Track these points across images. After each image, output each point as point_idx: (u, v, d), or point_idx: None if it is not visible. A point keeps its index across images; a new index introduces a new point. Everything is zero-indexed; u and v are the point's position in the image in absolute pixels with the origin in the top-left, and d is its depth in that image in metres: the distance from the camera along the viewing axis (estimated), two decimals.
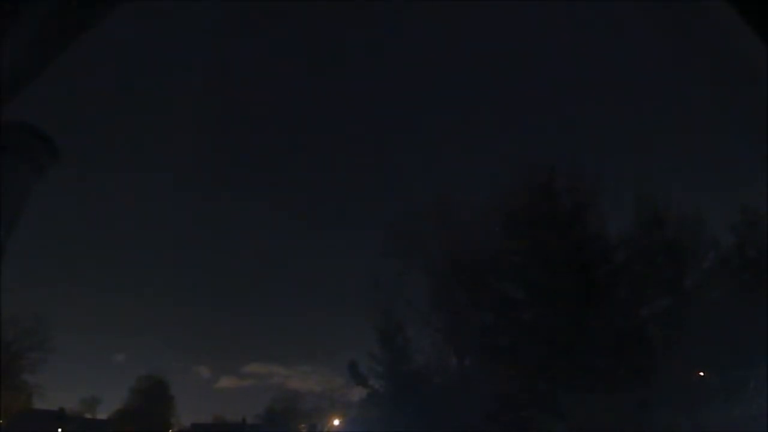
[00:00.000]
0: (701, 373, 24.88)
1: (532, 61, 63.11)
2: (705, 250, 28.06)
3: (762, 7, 2.24)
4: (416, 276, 32.83)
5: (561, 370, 24.44)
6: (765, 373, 21.30)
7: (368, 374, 32.40)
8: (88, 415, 54.32)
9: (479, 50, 63.24)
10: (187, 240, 72.21)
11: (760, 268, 24.49)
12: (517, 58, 63.57)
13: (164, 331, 76.35)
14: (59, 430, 47.28)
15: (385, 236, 34.38)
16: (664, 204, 27.93)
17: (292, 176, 79.32)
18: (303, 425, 50.30)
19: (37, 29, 2.51)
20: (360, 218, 69.76)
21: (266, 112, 77.50)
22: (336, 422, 41.41)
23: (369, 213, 70.88)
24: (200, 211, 75.01)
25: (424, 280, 32.75)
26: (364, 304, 33.17)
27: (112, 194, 70.67)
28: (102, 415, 54.17)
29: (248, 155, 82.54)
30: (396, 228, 33.69)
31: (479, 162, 60.90)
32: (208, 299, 73.82)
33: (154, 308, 73.23)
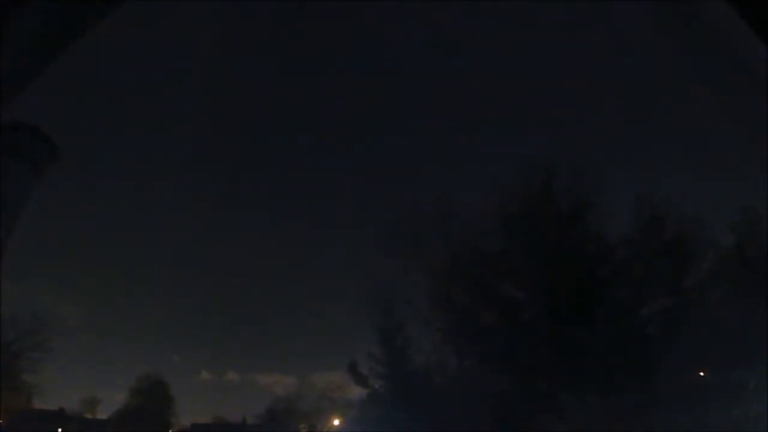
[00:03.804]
0: (701, 373, 24.86)
1: (533, 61, 63.17)
2: (705, 250, 28.03)
3: (762, 7, 2.24)
4: (416, 276, 32.78)
5: (561, 370, 24.42)
6: (765, 373, 21.29)
7: (368, 374, 32.42)
8: (88, 415, 54.25)
9: (480, 50, 63.27)
10: (186, 239, 72.19)
11: (760, 268, 24.48)
12: (518, 58, 63.61)
13: (163, 331, 76.32)
14: (59, 430, 47.22)
15: (385, 236, 34.32)
16: (664, 204, 27.93)
17: (293, 177, 79.31)
18: (303, 425, 50.23)
19: (37, 29, 2.51)
20: (360, 218, 69.77)
21: (267, 113, 77.53)
22: (336, 422, 41.39)
23: (369, 213, 70.90)
24: (200, 210, 75.03)
25: (424, 280, 32.70)
26: (364, 304, 33.06)
27: (112, 194, 70.72)
28: (102, 415, 54.14)
29: (249, 155, 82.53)
30: (396, 228, 33.62)
31: (479, 162, 60.95)
32: (206, 299, 73.77)
33: (154, 308, 73.23)
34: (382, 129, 74.28)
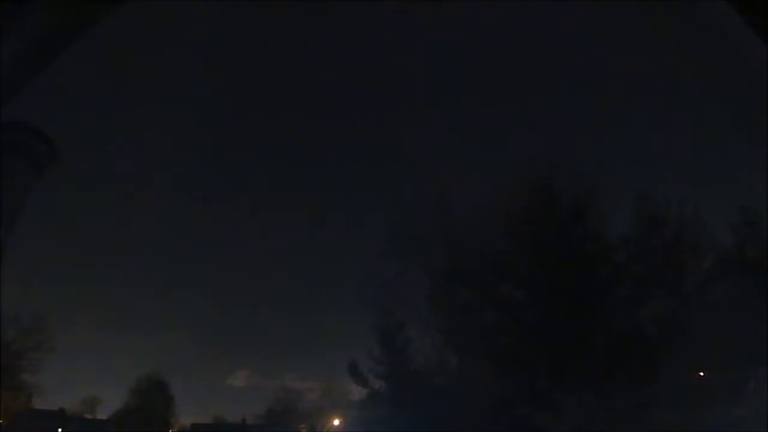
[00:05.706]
0: (701, 373, 24.87)
1: (533, 61, 63.20)
2: (705, 251, 28.05)
3: (762, 7, 2.24)
4: (416, 276, 32.77)
5: (561, 370, 24.42)
6: (765, 373, 21.30)
7: (368, 374, 32.41)
8: (88, 415, 54.29)
9: (479, 50, 63.31)
10: (186, 238, 72.27)
11: (760, 268, 24.49)
12: (518, 58, 63.63)
13: (164, 331, 76.33)
14: (59, 430, 47.27)
15: (385, 236, 34.32)
16: (664, 204, 27.95)
17: (293, 176, 79.41)
18: (303, 425, 50.25)
19: (37, 29, 2.51)
20: (360, 218, 69.82)
21: (266, 113, 77.58)
22: (336, 422, 41.44)
23: (369, 213, 70.93)
24: (200, 209, 75.12)
25: (424, 280, 32.69)
26: (364, 304, 33.07)
27: (115, 193, 70.75)
28: (102, 415, 54.14)
29: (249, 155, 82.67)
30: (396, 228, 33.63)
31: (479, 162, 60.89)
32: (206, 298, 73.76)
33: (155, 308, 73.28)
34: (381, 128, 74.33)
